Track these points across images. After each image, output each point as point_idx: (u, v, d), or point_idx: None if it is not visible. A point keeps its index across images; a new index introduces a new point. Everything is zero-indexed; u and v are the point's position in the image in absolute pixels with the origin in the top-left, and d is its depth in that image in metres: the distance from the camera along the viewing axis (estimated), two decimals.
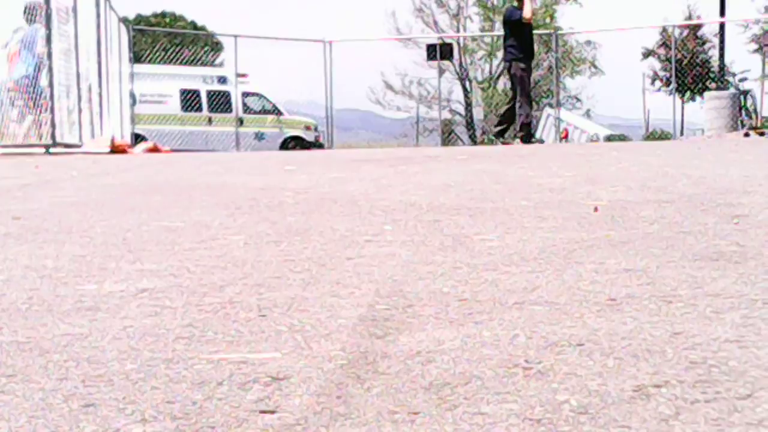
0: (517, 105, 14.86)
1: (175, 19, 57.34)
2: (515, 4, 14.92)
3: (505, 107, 15.50)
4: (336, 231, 3.24)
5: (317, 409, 1.48)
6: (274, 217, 3.64)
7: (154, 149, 15.55)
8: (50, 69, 14.62)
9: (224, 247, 3.01)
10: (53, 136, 14.23)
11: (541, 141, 16.78)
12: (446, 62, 34.00)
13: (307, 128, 28.45)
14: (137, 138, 25.08)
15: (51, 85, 14.46)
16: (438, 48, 27.29)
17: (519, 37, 14.52)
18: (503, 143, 14.88)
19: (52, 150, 13.87)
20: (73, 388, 1.62)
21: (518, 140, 15.06)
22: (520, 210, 3.69)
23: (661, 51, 47.10)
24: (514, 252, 2.85)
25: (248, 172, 6.82)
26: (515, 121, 14.86)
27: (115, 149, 13.67)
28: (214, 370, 1.71)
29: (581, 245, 2.96)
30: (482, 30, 49.46)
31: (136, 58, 28.19)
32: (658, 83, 48.00)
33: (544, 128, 32.43)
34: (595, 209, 3.64)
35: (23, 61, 14.47)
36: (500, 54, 48.49)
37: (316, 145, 28.13)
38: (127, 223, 3.56)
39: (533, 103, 15.23)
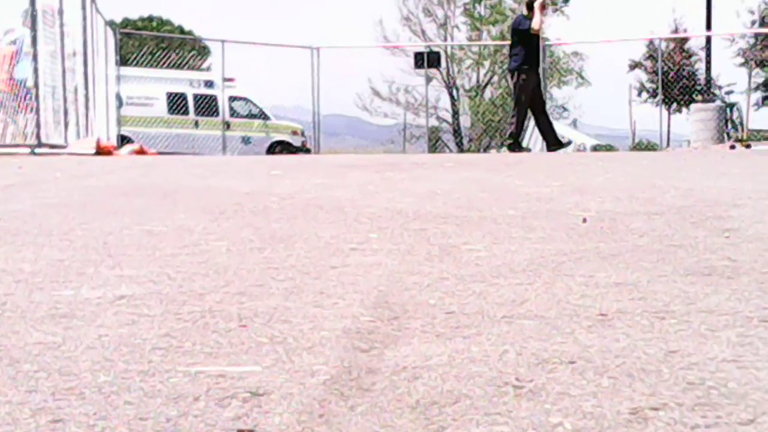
0: (513, 112, 14.87)
1: (162, 23, 57.17)
2: (525, 13, 14.81)
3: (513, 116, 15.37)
4: (321, 238, 3.17)
5: (298, 428, 1.40)
6: (259, 223, 3.56)
7: (141, 151, 15.45)
8: (36, 70, 14.50)
9: (206, 253, 2.93)
10: (38, 137, 14.11)
11: (528, 150, 16.70)
12: (433, 70, 34.07)
13: (294, 133, 28.37)
14: (123, 140, 24.93)
15: (36, 85, 14.35)
16: (425, 56, 27.34)
17: (526, 46, 14.38)
18: (512, 151, 14.75)
19: (37, 151, 13.74)
20: (42, 401, 1.55)
21: (505, 148, 15.01)
22: (508, 219, 3.62)
23: (648, 63, 47.29)
24: (502, 263, 2.79)
25: (234, 176, 6.74)
26: (522, 128, 14.80)
27: (101, 151, 13.53)
28: (191, 384, 1.63)
29: (570, 257, 2.89)
30: (469, 39, 49.59)
31: (123, 61, 28.03)
32: (644, 95, 48.15)
33: (531, 137, 32.47)
34: (584, 220, 3.58)
35: (25, 62, 14.44)
36: (487, 64, 48.70)
37: (303, 149, 28.05)
38: (108, 226, 3.47)
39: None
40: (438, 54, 28.37)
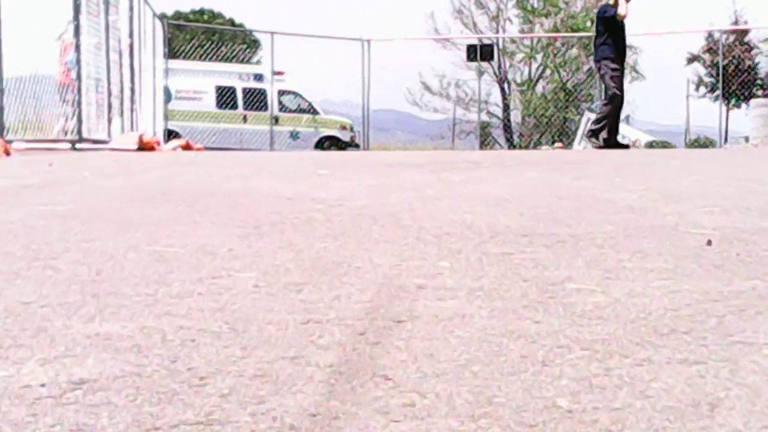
0: (603, 107, 14.20)
1: (214, 16, 57.05)
2: (610, 1, 14.00)
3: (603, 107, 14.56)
4: (377, 267, 2.47)
5: None
6: (300, 242, 2.90)
7: (187, 147, 14.96)
8: (78, 61, 14.05)
9: (226, 292, 2.26)
10: (80, 132, 13.65)
11: (626, 146, 15.67)
12: (485, 64, 33.11)
13: (343, 128, 27.81)
14: (171, 135, 24.62)
15: (79, 77, 13.90)
16: (478, 49, 26.49)
17: (612, 35, 13.59)
18: (597, 146, 13.91)
19: (78, 146, 13.29)
20: None
21: (591, 142, 14.17)
22: (609, 240, 2.90)
23: (707, 56, 45.97)
24: (635, 316, 2.01)
25: (278, 176, 6.12)
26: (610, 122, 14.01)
27: (143, 146, 13.04)
28: None
29: (727, 305, 2.12)
30: (522, 32, 48.57)
31: (173, 53, 27.72)
32: (702, 89, 46.83)
33: (584, 131, 31.55)
34: (708, 242, 2.85)
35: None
36: (539, 57, 47.71)
37: (352, 145, 27.50)
38: (113, 245, 2.80)
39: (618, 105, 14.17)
40: (491, 46, 27.42)
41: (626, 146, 15.77)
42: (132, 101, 17.47)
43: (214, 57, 28.13)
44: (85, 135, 13.75)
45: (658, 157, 11.84)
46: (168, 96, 24.11)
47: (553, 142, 35.80)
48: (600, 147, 13.65)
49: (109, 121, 15.41)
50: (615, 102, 13.95)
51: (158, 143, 14.86)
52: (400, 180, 5.68)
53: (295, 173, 6.55)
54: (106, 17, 15.51)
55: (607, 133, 13.87)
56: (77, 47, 13.92)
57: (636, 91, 56.04)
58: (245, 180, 5.72)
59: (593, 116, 29.87)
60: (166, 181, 5.54)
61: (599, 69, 14.06)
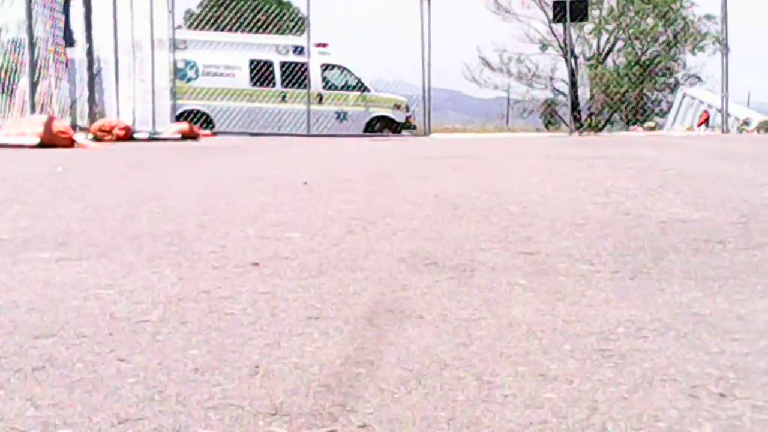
0: None
1: None
2: None
3: None
4: None
5: None
6: None
7: (190, 132, 11.40)
8: None
9: None
10: None
11: None
12: (576, 24, 28.12)
13: (397, 107, 23.98)
14: (195, 116, 21.23)
15: None
16: (568, 6, 21.93)
17: None
18: None
19: None
20: None
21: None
22: None
23: None
24: None
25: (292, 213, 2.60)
26: None
27: (49, 140, 8.83)
28: None
29: None
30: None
31: (201, 23, 24.23)
32: None
33: (679, 111, 27.48)
34: None
35: None
36: (610, 27, 43.52)
37: (408, 126, 23.81)
38: None
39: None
40: (585, 2, 22.66)
41: None
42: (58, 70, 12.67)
43: (247, 27, 24.57)
44: None
45: None
46: (179, 72, 20.77)
47: (642, 122, 31.83)
48: None
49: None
50: None
51: (99, 130, 10.54)
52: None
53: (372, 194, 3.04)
54: None
55: None
56: None
57: (716, 63, 51.17)
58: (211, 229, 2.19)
59: (691, 92, 25.81)
60: None
61: None
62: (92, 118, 10.99)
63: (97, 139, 9.49)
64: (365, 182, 5.15)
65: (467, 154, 9.32)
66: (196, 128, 12.99)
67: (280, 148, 10.37)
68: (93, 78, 11.41)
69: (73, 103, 11.19)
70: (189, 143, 10.10)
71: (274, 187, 4.78)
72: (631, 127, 32.34)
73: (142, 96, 16.83)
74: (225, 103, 22.15)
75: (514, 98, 46.09)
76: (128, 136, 9.94)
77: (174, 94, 19.72)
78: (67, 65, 10.89)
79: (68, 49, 11.23)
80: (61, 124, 9.00)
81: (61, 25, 10.77)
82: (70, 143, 8.68)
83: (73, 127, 10.30)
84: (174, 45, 20.34)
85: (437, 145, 12.43)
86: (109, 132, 9.74)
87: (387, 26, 26.60)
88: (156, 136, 11.02)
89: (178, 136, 10.99)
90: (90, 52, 11.43)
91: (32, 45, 9.67)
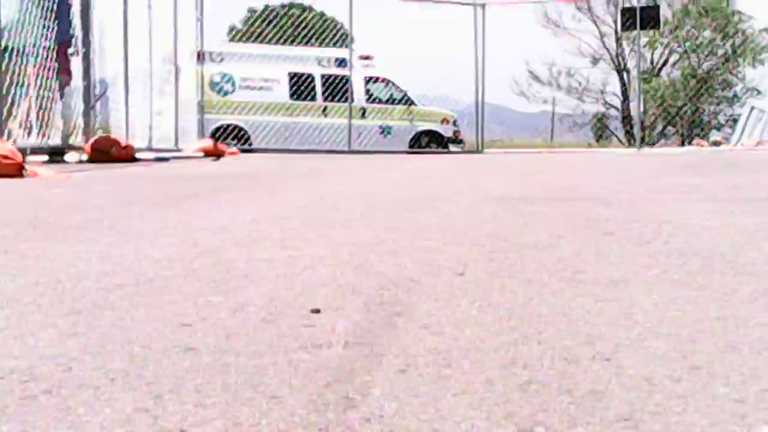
0: None
1: (303, 9, 52.86)
2: None
3: None
4: None
5: None
6: None
7: (215, 151, 10.15)
8: None
9: None
10: None
11: None
12: (649, 32, 26.20)
13: (445, 121, 22.64)
14: (232, 131, 20.20)
15: None
16: (637, 13, 20.03)
17: None
18: None
19: None
20: None
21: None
22: None
23: None
24: None
25: None
26: None
27: None
28: None
29: None
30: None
31: (245, 36, 23.32)
32: None
33: (746, 125, 25.87)
34: None
35: None
36: (665, 41, 41.91)
37: (455, 141, 22.50)
38: None
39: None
40: (656, 8, 20.68)
41: None
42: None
43: (287, 40, 23.48)
44: None
45: None
46: (215, 85, 19.81)
47: (704, 136, 30.25)
48: None
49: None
50: None
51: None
52: None
53: None
54: None
55: None
56: None
57: None
58: None
59: (761, 105, 24.20)
60: None
61: None
62: (87, 135, 9.73)
63: (92, 160, 8.29)
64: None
65: (564, 185, 7.30)
66: (221, 145, 11.79)
67: (311, 177, 8.49)
68: (89, 89, 10.10)
69: (66, 118, 9.91)
70: (193, 170, 8.79)
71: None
72: (696, 141, 30.75)
73: (163, 111, 15.72)
74: (261, 117, 21.02)
75: (562, 112, 44.71)
76: (129, 156, 8.71)
77: (202, 109, 18.60)
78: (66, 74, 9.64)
79: (73, 58, 10.05)
80: (5, 147, 7.33)
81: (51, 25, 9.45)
82: (17, 171, 7.13)
83: (64, 146, 9.04)
84: (203, 56, 19.29)
85: (502, 167, 10.87)
86: (105, 152, 8.51)
87: (434, 37, 25.27)
88: (165, 156, 9.84)
89: (200, 154, 9.82)
90: (87, 57, 10.13)
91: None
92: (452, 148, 22.21)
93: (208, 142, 11.43)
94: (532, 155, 17.05)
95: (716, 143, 26.92)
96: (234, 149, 12.73)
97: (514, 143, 35.51)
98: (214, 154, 10.49)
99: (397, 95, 22.60)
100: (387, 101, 22.47)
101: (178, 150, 12.18)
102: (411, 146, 22.00)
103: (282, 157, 14.65)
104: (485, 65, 19.49)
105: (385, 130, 22.11)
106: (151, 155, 9.68)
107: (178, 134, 14.88)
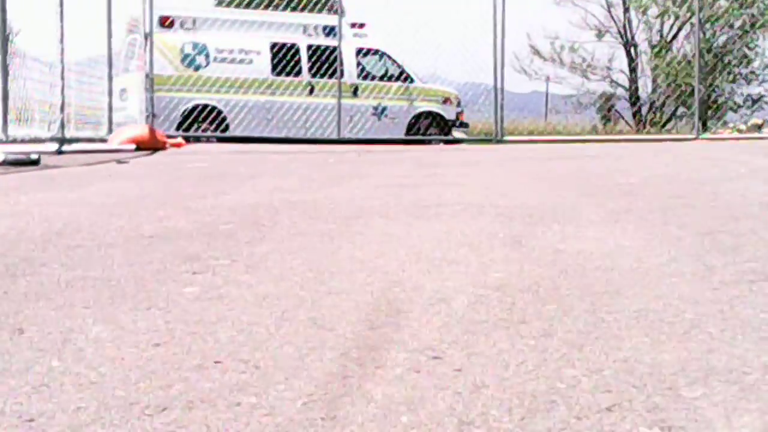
0: None
1: None
2: None
3: None
4: None
5: None
6: None
7: (150, 140, 7.35)
8: None
9: None
10: None
11: None
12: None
13: (446, 101, 19.82)
14: (202, 110, 17.46)
15: None
16: None
17: None
18: None
19: None
20: None
21: None
22: None
23: None
24: None
25: None
26: None
27: None
28: None
29: None
30: None
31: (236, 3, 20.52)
32: None
33: None
34: None
35: None
36: (678, 11, 39.13)
37: (459, 124, 19.74)
38: None
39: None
40: None
41: None
42: None
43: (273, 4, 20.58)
44: None
45: None
46: (186, 57, 17.12)
47: (719, 117, 27.58)
48: None
49: None
50: None
51: None
52: None
53: None
54: None
55: None
56: None
57: None
58: None
59: None
60: None
61: None
62: None
63: None
64: None
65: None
66: (161, 134, 8.98)
67: (283, 226, 4.54)
68: None
69: None
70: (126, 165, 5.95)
71: None
72: (728, 125, 28.05)
73: (129, 88, 12.89)
74: (238, 96, 18.17)
75: (564, 93, 41.83)
76: None
77: (152, 84, 15.68)
78: None
79: None
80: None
81: None
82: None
83: None
84: (171, 23, 16.47)
85: (598, 180, 7.25)
86: None
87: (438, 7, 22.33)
88: (22, 159, 7.06)
89: (129, 146, 7.07)
90: None
91: None
92: (456, 133, 19.46)
93: (143, 130, 8.68)
94: (579, 148, 14.14)
95: (758, 127, 24.28)
96: (179, 140, 9.92)
97: (528, 128, 32.40)
98: (150, 146, 7.73)
99: (394, 70, 19.78)
100: (382, 77, 19.65)
101: (102, 141, 9.39)
102: (409, 130, 19.25)
103: (252, 151, 11.65)
104: (504, 41, 16.68)
105: (378, 111, 19.30)
106: (15, 154, 6.88)
107: (111, 118, 11.80)
